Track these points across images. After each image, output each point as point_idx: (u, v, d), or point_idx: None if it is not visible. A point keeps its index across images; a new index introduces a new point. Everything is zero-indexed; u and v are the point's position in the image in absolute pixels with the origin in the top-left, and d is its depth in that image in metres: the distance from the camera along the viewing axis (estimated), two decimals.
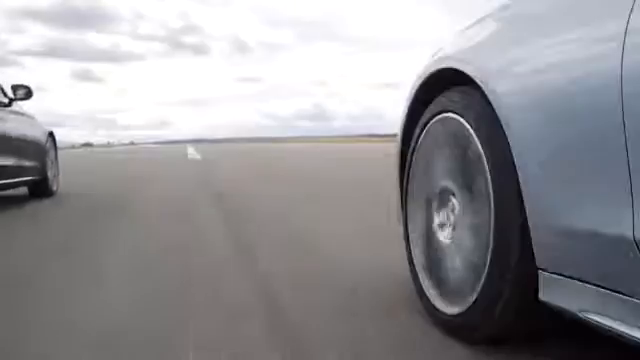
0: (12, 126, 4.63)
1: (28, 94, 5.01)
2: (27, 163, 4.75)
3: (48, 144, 5.40)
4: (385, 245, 2.48)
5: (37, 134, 5.18)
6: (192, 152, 22.88)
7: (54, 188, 5.49)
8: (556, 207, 1.08)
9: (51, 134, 5.53)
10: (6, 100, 4.78)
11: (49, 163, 5.33)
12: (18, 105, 5.04)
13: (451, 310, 1.41)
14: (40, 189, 5.22)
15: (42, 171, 5.13)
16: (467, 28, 1.57)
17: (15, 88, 4.98)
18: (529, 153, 1.15)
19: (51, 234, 3.36)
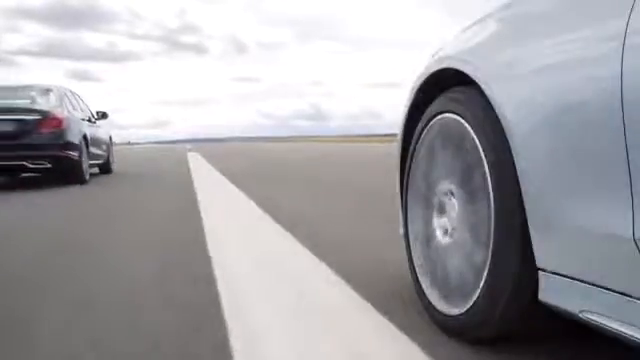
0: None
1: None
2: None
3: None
4: None
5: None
6: (200, 167, 10.94)
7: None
8: (556, 207, 1.08)
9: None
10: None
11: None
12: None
13: (451, 311, 1.41)
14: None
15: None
16: (467, 28, 1.57)
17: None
18: (529, 153, 1.15)
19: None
